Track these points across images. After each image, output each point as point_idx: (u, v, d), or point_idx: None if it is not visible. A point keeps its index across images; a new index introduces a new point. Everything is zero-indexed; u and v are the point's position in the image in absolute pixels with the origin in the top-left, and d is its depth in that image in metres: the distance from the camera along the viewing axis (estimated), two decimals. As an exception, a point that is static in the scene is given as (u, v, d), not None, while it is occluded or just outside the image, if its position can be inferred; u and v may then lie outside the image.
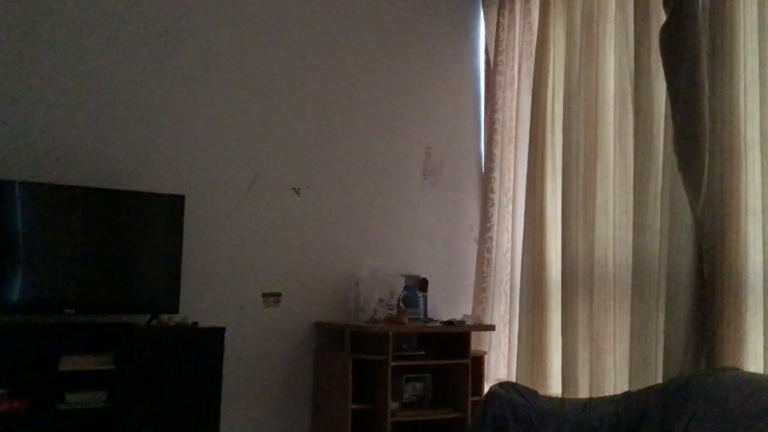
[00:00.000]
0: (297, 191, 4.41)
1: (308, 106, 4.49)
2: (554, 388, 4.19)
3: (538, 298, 4.35)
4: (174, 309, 3.77)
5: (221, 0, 4.25)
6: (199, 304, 3.93)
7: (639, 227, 3.79)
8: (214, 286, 4.09)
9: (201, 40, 4.17)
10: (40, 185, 3.54)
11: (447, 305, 4.75)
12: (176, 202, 3.84)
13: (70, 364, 3.37)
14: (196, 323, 3.78)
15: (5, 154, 3.59)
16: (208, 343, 3.72)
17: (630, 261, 3.84)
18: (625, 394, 3.46)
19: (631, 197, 3.86)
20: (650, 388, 3.40)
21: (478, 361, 4.44)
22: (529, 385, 3.90)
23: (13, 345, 3.33)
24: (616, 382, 3.86)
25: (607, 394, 3.71)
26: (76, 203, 3.63)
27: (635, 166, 3.84)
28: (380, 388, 4.07)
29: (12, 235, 3.44)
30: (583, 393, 3.93)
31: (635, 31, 3.88)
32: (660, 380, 3.51)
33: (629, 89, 3.93)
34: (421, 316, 4.49)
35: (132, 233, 3.78)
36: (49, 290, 3.54)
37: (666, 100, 3.64)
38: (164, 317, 3.74)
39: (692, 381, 3.21)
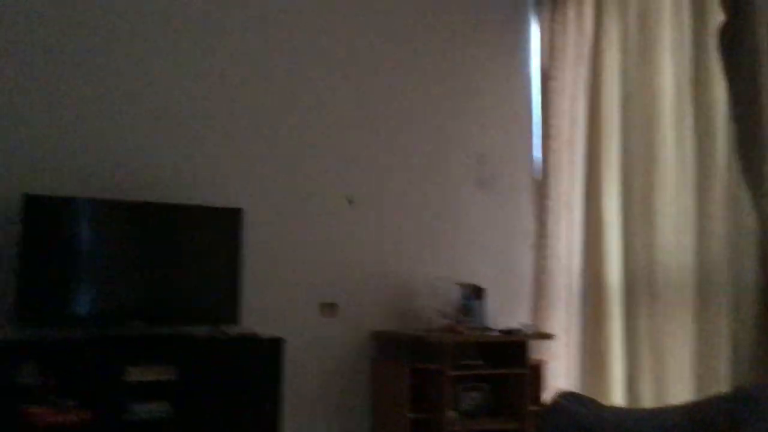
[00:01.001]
0: (351, 202, 4.44)
1: (361, 116, 4.53)
2: (617, 397, 4.11)
3: (598, 306, 4.28)
4: (234, 320, 3.84)
5: (272, 17, 4.32)
6: (258, 315, 3.99)
7: (701, 232, 3.70)
8: (272, 296, 4.14)
9: (255, 57, 4.25)
10: (103, 201, 3.65)
11: (504, 314, 4.71)
12: (235, 215, 3.91)
13: (135, 374, 3.45)
14: (256, 334, 3.84)
15: (70, 172, 3.71)
16: (268, 353, 3.77)
17: (693, 266, 3.75)
18: (691, 403, 3.37)
19: (692, 201, 3.78)
20: (717, 396, 3.29)
21: (538, 371, 4.39)
22: (590, 394, 3.83)
23: (80, 357, 3.42)
24: (681, 391, 3.77)
25: (671, 404, 3.62)
26: (139, 218, 3.73)
27: (696, 170, 3.76)
28: (438, 397, 4.05)
29: (78, 251, 3.55)
30: (647, 402, 3.84)
31: (692, 32, 3.80)
32: (727, 389, 3.41)
33: (687, 91, 3.85)
34: (479, 325, 4.46)
35: (193, 246, 3.86)
36: (114, 303, 3.65)
37: (726, 102, 3.55)
38: (225, 328, 3.81)
39: (761, 388, 3.10)
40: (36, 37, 3.72)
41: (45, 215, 3.49)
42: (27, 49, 3.69)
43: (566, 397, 3.47)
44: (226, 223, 3.91)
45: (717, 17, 3.60)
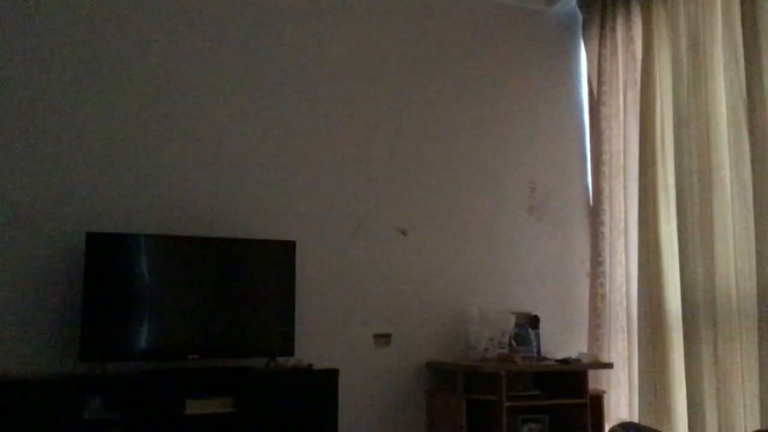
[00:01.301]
0: (404, 232, 4.46)
1: (412, 147, 4.56)
2: (680, 428, 3.99)
3: (657, 334, 4.19)
4: (290, 352, 3.88)
5: (320, 54, 4.41)
6: (313, 346, 4.03)
7: (762, 256, 3.60)
8: (326, 328, 4.18)
9: (306, 92, 4.34)
10: (160, 237, 3.75)
11: (561, 343, 4.65)
12: (288, 248, 3.97)
13: (194, 407, 3.51)
14: (311, 365, 3.87)
15: (130, 210, 3.84)
16: (323, 384, 3.80)
17: (754, 291, 3.64)
18: (758, 434, 3.26)
19: (752, 225, 3.68)
20: (785, 427, 3.19)
21: (597, 401, 4.31)
22: (652, 425, 3.75)
23: (141, 391, 3.50)
24: (746, 422, 3.64)
25: (737, 434, 3.51)
26: (194, 252, 3.82)
27: (755, 192, 3.67)
28: (495, 429, 4.01)
29: (138, 286, 3.65)
30: (712, 433, 3.73)
31: (745, 51, 3.73)
32: (796, 418, 3.29)
33: (743, 112, 3.77)
34: (535, 355, 4.40)
35: (247, 279, 3.92)
36: (173, 337, 3.73)
37: (784, 122, 3.47)
38: (281, 360, 3.86)
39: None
40: (99, 78, 3.87)
41: (106, 252, 3.60)
42: (89, 89, 3.85)
43: (627, 427, 3.40)
44: (280, 256, 3.97)
45: (770, 37, 3.54)
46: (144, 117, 3.95)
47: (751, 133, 3.69)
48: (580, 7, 5.06)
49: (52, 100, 3.77)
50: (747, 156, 3.73)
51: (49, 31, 3.79)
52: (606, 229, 4.70)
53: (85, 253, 3.55)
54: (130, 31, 3.97)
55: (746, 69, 3.72)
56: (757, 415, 3.56)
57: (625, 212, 4.61)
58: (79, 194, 3.77)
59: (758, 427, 3.42)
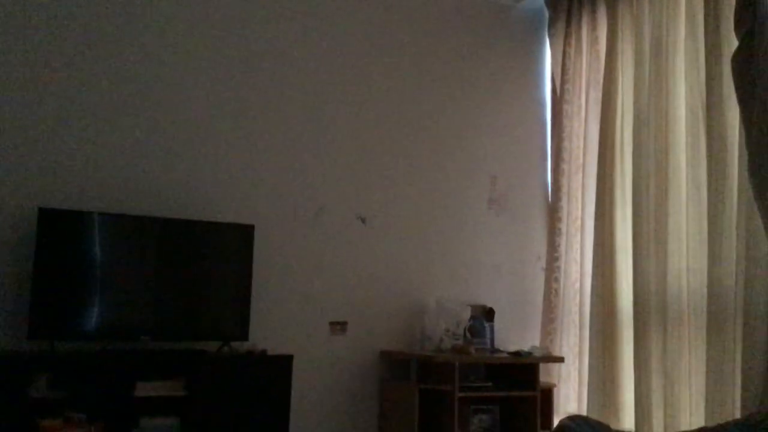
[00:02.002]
0: (363, 220, 4.46)
1: (374, 136, 4.56)
2: (627, 422, 4.07)
3: (609, 330, 4.26)
4: (244, 336, 3.85)
5: (286, 42, 4.36)
6: (267, 332, 4.00)
7: (714, 256, 3.68)
8: (282, 314, 4.16)
9: (269, 77, 4.29)
10: (116, 216, 3.68)
11: (514, 336, 4.70)
12: (246, 232, 3.93)
13: (144, 389, 3.46)
14: (265, 351, 3.85)
15: (84, 187, 3.75)
16: (277, 370, 3.77)
17: (705, 291, 3.73)
18: (701, 430, 3.34)
19: (705, 226, 3.76)
20: (728, 423, 3.26)
21: (547, 394, 4.37)
22: (600, 419, 3.81)
23: (91, 371, 3.44)
24: (691, 417, 3.73)
25: (682, 429, 3.59)
26: (150, 233, 3.76)
27: (709, 195, 3.75)
28: (447, 419, 4.04)
29: (90, 265, 3.58)
30: (658, 428, 3.81)
31: (706, 57, 3.81)
32: (738, 415, 3.38)
33: (701, 116, 3.85)
34: (488, 347, 4.45)
35: (204, 262, 3.88)
36: (125, 318, 3.67)
37: (740, 127, 3.55)
38: (234, 345, 3.82)
39: (773, 417, 3.08)
40: (52, 52, 3.77)
41: (59, 229, 3.52)
42: (43, 64, 3.75)
43: (576, 420, 3.45)
44: (237, 240, 3.93)
45: (731, 43, 3.61)
46: (102, 92, 3.86)
47: (708, 136, 3.77)
48: (547, 4, 5.10)
49: (3, 74, 3.66)
50: (703, 158, 3.81)
51: (2, 5, 3.68)
52: (563, 225, 4.76)
53: (37, 229, 3.46)
54: (88, 5, 3.87)
55: (706, 74, 3.79)
56: (702, 411, 3.65)
57: (583, 209, 4.67)
58: (32, 169, 3.67)
59: (703, 424, 3.50)
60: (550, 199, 4.95)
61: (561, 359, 4.50)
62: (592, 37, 4.73)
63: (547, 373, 4.50)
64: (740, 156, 3.57)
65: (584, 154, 4.71)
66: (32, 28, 3.73)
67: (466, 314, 4.43)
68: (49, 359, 3.40)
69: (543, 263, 4.89)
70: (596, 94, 4.63)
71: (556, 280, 4.73)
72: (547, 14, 5.12)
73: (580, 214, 4.69)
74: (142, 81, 3.96)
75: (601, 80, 4.53)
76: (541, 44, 5.16)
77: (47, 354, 3.43)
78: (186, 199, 3.98)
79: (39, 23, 3.75)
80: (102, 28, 3.89)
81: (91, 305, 3.57)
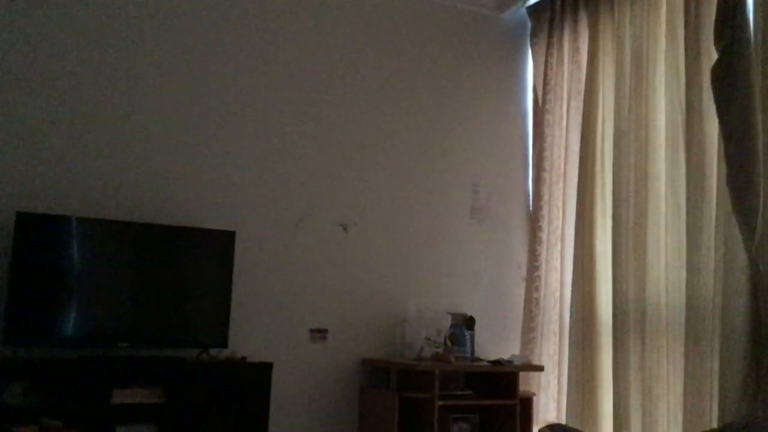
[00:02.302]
0: (345, 228, 4.45)
1: (356, 144, 4.55)
2: (605, 430, 4.09)
3: (588, 339, 4.28)
4: (223, 344, 3.82)
5: (267, 46, 4.36)
6: (247, 339, 3.98)
7: (692, 267, 3.72)
8: (262, 321, 4.13)
9: (251, 81, 4.28)
10: (95, 221, 3.65)
11: (494, 344, 4.71)
12: (227, 238, 3.90)
13: (121, 397, 3.42)
14: (244, 358, 3.82)
15: (62, 191, 3.71)
16: (256, 377, 3.75)
17: (683, 302, 3.76)
18: (679, 439, 3.37)
19: (683, 237, 3.79)
20: (705, 433, 3.30)
21: (527, 403, 4.37)
22: (579, 428, 3.83)
23: (67, 377, 3.40)
24: (669, 427, 3.75)
25: (660, 439, 3.61)
26: (131, 239, 3.73)
27: (687, 206, 3.78)
28: (427, 427, 4.03)
29: (68, 270, 3.54)
30: (636, 437, 3.83)
31: (686, 69, 3.85)
32: (715, 425, 3.40)
33: (681, 127, 3.88)
34: (468, 355, 4.45)
35: (183, 268, 3.85)
36: (103, 324, 3.63)
37: (719, 139, 3.59)
38: (214, 352, 3.80)
39: (749, 426, 3.10)
40: (32, 56, 3.74)
41: (36, 233, 3.48)
42: (23, 67, 3.71)
43: (555, 429, 3.46)
44: (217, 246, 3.90)
45: (711, 56, 3.65)
46: (83, 96, 3.83)
47: (688, 147, 3.81)
48: (530, 15, 5.13)
49: (-14, 73, 3.62)
50: (682, 170, 3.85)
51: (-14, 1, 3.64)
52: (544, 235, 4.78)
53: (14, 234, 3.42)
54: (68, 9, 3.84)
55: (686, 85, 3.84)
56: (680, 421, 3.67)
57: (563, 219, 4.70)
58: (10, 172, 3.63)
59: (680, 433, 3.53)
60: (531, 209, 4.97)
61: (541, 368, 4.51)
62: (574, 48, 4.76)
63: (526, 382, 4.51)
64: (719, 167, 3.60)
65: (565, 164, 4.74)
66: (11, 31, 3.70)
67: (447, 322, 4.44)
68: (24, 365, 3.36)
69: (523, 272, 4.90)
70: (577, 104, 4.66)
71: (537, 289, 4.74)
72: (529, 25, 5.15)
73: (561, 224, 4.71)
74: (123, 86, 3.93)
75: (582, 90, 4.56)
76: (524, 54, 5.19)
77: (23, 360, 3.39)
78: (166, 205, 3.95)
79: (18, 27, 3.71)
80: (84, 33, 3.86)
81: (68, 310, 3.53)
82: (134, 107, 3.95)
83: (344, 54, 4.58)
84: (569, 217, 4.61)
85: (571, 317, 4.39)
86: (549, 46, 4.93)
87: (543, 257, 4.75)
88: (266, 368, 3.78)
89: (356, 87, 4.59)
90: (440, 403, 4.03)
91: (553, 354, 4.61)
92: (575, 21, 4.76)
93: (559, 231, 4.72)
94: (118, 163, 3.87)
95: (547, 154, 4.85)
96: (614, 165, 4.20)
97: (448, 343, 4.37)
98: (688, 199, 3.79)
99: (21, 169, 3.65)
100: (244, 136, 4.22)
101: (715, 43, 3.57)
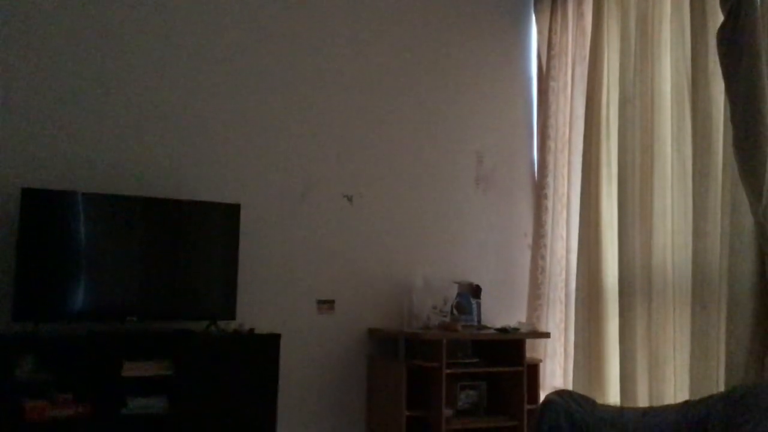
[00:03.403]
0: (350, 199, 4.45)
1: (361, 114, 4.53)
2: (612, 396, 4.11)
3: (594, 305, 4.29)
4: (231, 316, 3.84)
5: (269, 16, 4.31)
6: (255, 310, 3.99)
7: (698, 232, 3.71)
8: (269, 293, 4.15)
9: (253, 54, 4.25)
10: (102, 196, 3.65)
11: (501, 312, 4.72)
12: (232, 211, 3.91)
13: (131, 370, 3.45)
14: (252, 330, 3.84)
15: (68, 166, 3.71)
16: (264, 349, 3.78)
17: (689, 267, 3.76)
18: (686, 403, 3.38)
19: (690, 201, 3.78)
20: (712, 397, 3.31)
21: (534, 369, 4.40)
22: (586, 393, 3.84)
23: (77, 352, 3.43)
24: (676, 391, 3.78)
25: (667, 403, 3.63)
26: (137, 213, 3.73)
27: (694, 170, 3.77)
28: (434, 395, 4.06)
29: (76, 245, 3.55)
30: (642, 402, 3.85)
31: (692, 32, 3.80)
32: (722, 389, 3.42)
33: (686, 92, 3.85)
34: (475, 323, 4.47)
35: (190, 242, 3.86)
36: (111, 298, 3.65)
37: (725, 103, 3.56)
38: (222, 324, 3.82)
39: (755, 389, 3.12)
40: (36, 33, 3.71)
41: (42, 210, 3.48)
42: (26, 43, 3.69)
43: (561, 395, 3.49)
44: (223, 219, 3.91)
45: (716, 18, 3.60)
46: (86, 71, 3.81)
47: (694, 111, 3.78)
48: (533, -20, 5.07)
49: (-14, 49, 3.60)
50: (688, 134, 3.83)
51: (-16, -24, 3.61)
52: (549, 203, 4.77)
53: (20, 210, 3.43)
54: (72, -20, 3.81)
55: (692, 48, 3.80)
56: (686, 385, 3.69)
57: (569, 186, 4.68)
58: (15, 148, 3.62)
59: (687, 398, 3.54)
60: (536, 177, 4.96)
61: (547, 335, 4.53)
62: (578, 13, 4.71)
63: (533, 349, 4.53)
64: (725, 131, 3.58)
65: (570, 131, 4.71)
66: (13, 8, 3.67)
67: (453, 291, 4.45)
68: (34, 341, 3.38)
69: (529, 240, 4.90)
70: (582, 71, 4.62)
71: (542, 256, 4.75)
72: (532, -10, 5.09)
73: (566, 191, 4.70)
74: (127, 60, 3.91)
75: (587, 56, 4.52)
76: (527, 20, 5.13)
77: (33, 335, 3.41)
78: (172, 179, 3.95)
79: (20, 4, 3.68)
80: (85, 8, 3.82)
81: (76, 286, 3.55)
82: (139, 81, 3.92)
83: (348, 25, 4.54)
84: (575, 184, 4.60)
85: (577, 284, 4.40)
86: (553, 11, 4.87)
87: (549, 225, 4.75)
88: (274, 339, 3.80)
89: (360, 57, 4.56)
90: (448, 371, 4.06)
91: (559, 321, 4.63)
92: (579, -15, 4.70)
93: (565, 198, 4.71)
94: (123, 137, 3.87)
95: (551, 121, 4.82)
96: (620, 131, 4.18)
97: (455, 311, 4.38)
98: (694, 164, 3.77)
99: (26, 145, 3.65)
100: (249, 109, 4.20)
101: (721, 4, 3.53)
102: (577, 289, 4.39)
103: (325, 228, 4.36)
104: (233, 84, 4.17)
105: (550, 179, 4.78)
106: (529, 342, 4.41)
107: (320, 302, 4.31)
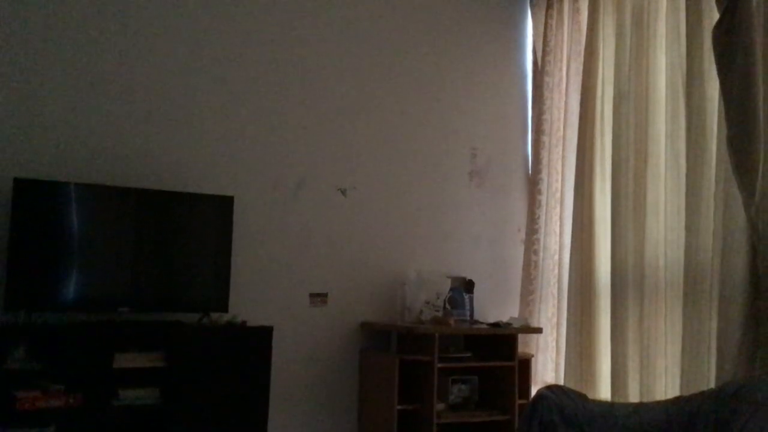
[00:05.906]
0: (344, 192, 4.44)
1: (355, 108, 4.52)
2: (603, 392, 4.13)
3: (586, 301, 4.30)
4: (223, 308, 3.83)
5: (266, 8, 4.30)
6: (247, 303, 3.98)
7: (691, 228, 3.73)
8: (262, 285, 4.14)
9: (248, 46, 4.23)
10: (94, 186, 3.63)
11: (493, 307, 4.73)
12: (226, 203, 3.90)
13: (123, 361, 3.44)
14: (245, 322, 3.84)
15: (61, 157, 3.70)
16: (257, 341, 3.77)
17: (682, 263, 3.78)
18: (677, 399, 3.40)
19: (683, 198, 3.80)
20: (702, 393, 3.32)
21: (525, 364, 4.41)
22: (577, 388, 3.86)
23: (69, 342, 3.42)
24: (667, 387, 3.80)
25: (657, 399, 3.65)
26: (130, 204, 3.72)
27: (687, 167, 3.78)
28: (426, 389, 4.07)
29: (68, 236, 3.53)
30: (633, 397, 3.87)
31: (687, 29, 3.81)
32: (713, 385, 3.44)
33: (681, 89, 3.86)
34: (467, 318, 4.47)
35: (183, 233, 3.85)
36: (103, 289, 3.64)
37: (719, 99, 3.57)
38: (214, 316, 3.81)
39: (746, 386, 3.13)
40: (26, 24, 3.69)
41: (35, 199, 3.47)
42: (19, 31, 3.66)
43: (553, 390, 3.49)
44: (216, 211, 3.90)
45: (712, 16, 3.61)
46: (79, 61, 3.78)
47: (688, 108, 3.79)
48: (529, -26, 5.07)
49: (-21, 37, 3.58)
50: (682, 131, 3.84)
51: (-23, -36, 3.59)
52: (543, 198, 4.77)
53: (12, 200, 3.41)
54: (66, -31, 3.79)
55: (687, 45, 3.81)
56: (677, 381, 3.71)
57: (562, 182, 4.69)
58: (7, 138, 3.60)
59: (678, 393, 3.56)
60: (530, 172, 4.96)
61: (539, 330, 4.54)
62: (574, 8, 4.71)
63: (525, 344, 4.54)
64: (719, 128, 3.59)
65: (564, 127, 4.72)
66: (6, 2, 3.65)
67: (446, 286, 4.45)
68: (26, 330, 3.37)
69: (522, 235, 4.91)
70: (577, 66, 4.62)
71: (536, 252, 4.76)
72: (529, -15, 5.09)
73: (560, 187, 4.71)
74: (120, 50, 3.89)
75: (582, 52, 4.52)
76: (523, 15, 5.13)
77: (24, 325, 3.39)
78: (165, 170, 3.93)
79: (11, -11, 3.67)
80: (79, 0, 3.81)
81: (68, 276, 3.54)
82: (132, 73, 3.90)
83: (342, 17, 4.52)
84: (568, 180, 4.61)
85: (569, 279, 4.41)
86: (549, 6, 4.87)
87: (542, 220, 4.76)
88: (267, 332, 3.80)
89: (355, 50, 4.55)
90: (440, 365, 4.06)
91: (551, 316, 4.64)
92: (575, -19, 4.70)
93: (559, 194, 4.72)
94: (116, 128, 3.85)
95: (546, 116, 4.82)
96: (614, 127, 4.18)
97: (448, 306, 4.39)
98: (687, 160, 3.78)
99: (18, 135, 3.62)
100: (242, 101, 4.19)
101: (717, 2, 3.54)
102: (570, 284, 4.40)
103: (319, 221, 4.35)
104: (227, 76, 4.16)
105: (544, 174, 4.79)
106: (521, 337, 4.42)
107: (313, 295, 4.30)
